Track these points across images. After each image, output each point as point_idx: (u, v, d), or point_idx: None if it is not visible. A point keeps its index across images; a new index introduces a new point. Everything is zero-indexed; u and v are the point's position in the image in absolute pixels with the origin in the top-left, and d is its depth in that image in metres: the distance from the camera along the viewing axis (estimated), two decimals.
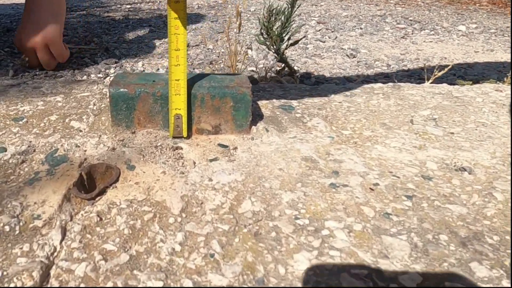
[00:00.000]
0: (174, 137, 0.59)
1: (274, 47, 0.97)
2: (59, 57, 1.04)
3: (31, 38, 0.97)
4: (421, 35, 1.77)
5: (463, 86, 0.86)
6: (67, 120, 0.67)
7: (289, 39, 0.98)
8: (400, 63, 1.34)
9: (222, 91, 0.59)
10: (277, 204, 0.45)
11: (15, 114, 0.69)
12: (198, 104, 0.59)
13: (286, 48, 0.98)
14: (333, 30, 1.82)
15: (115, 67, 1.16)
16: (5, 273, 0.37)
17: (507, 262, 0.36)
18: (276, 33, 0.95)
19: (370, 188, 0.48)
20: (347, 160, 0.54)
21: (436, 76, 0.94)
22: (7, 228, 0.41)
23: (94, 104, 0.73)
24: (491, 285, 0.34)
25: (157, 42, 1.49)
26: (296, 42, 0.97)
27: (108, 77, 1.09)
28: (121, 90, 0.59)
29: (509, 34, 1.76)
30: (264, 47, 1.44)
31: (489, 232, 0.40)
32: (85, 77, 1.07)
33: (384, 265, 0.36)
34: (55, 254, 0.39)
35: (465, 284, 0.34)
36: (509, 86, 0.86)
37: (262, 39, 0.98)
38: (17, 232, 0.41)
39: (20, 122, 0.66)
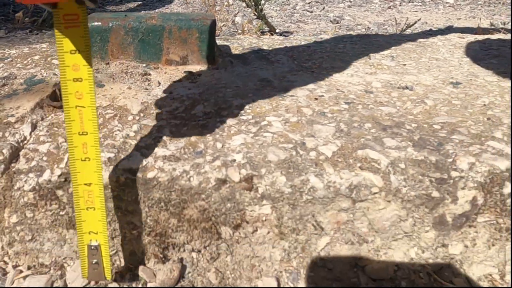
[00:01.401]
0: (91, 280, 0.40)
1: (252, 2, 1.01)
2: None
3: None
4: (408, 6, 1.80)
5: (429, 36, 0.90)
6: (48, 59, 0.72)
7: None
8: (381, 27, 1.37)
9: (188, 23, 0.64)
10: (227, 107, 0.50)
11: (1, 55, 0.75)
12: (166, 35, 0.64)
13: (263, 4, 1.02)
14: (322, 2, 1.85)
15: None
16: None
17: (416, 138, 0.41)
18: None
19: (315, 98, 0.53)
20: (300, 81, 0.59)
21: (408, 28, 0.98)
22: None
23: None
24: (396, 151, 0.39)
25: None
26: None
27: None
28: (95, 23, 0.64)
29: (495, 4, 1.78)
30: (250, 14, 1.48)
31: (410, 122, 0.45)
32: None
33: (309, 141, 0.41)
34: (25, 142, 0.45)
35: (374, 149, 0.39)
36: (477, 36, 0.90)
37: None
38: None
39: (5, 61, 0.71)
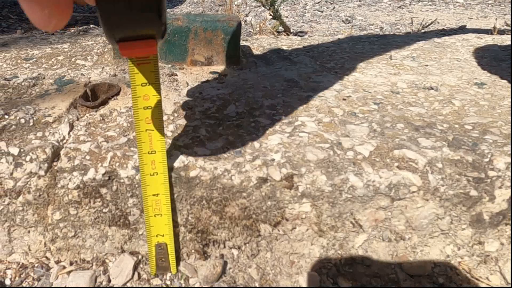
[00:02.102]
0: (157, 274, 0.42)
1: (268, 2, 1.02)
2: None
3: None
4: (418, 6, 1.80)
5: (445, 36, 0.91)
6: (73, 59, 0.73)
7: None
8: (394, 26, 1.38)
9: (214, 24, 0.65)
10: (258, 107, 0.51)
11: (25, 56, 0.76)
12: (192, 36, 0.65)
13: (279, 5, 1.03)
14: (332, 1, 1.86)
15: None
16: (22, 150, 0.43)
17: (450, 138, 0.42)
18: None
19: (343, 99, 0.54)
20: (326, 81, 0.60)
21: (424, 28, 0.99)
22: (22, 120, 0.48)
23: (98, 49, 0.79)
24: (433, 151, 0.39)
25: None
26: None
27: None
28: None
29: (506, 3, 1.78)
30: (263, 14, 1.48)
31: (441, 123, 0.46)
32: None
33: (344, 141, 0.42)
34: (64, 141, 0.46)
35: (410, 149, 0.39)
36: (493, 36, 0.91)
37: None
38: (31, 124, 0.48)
39: (31, 61, 0.73)
